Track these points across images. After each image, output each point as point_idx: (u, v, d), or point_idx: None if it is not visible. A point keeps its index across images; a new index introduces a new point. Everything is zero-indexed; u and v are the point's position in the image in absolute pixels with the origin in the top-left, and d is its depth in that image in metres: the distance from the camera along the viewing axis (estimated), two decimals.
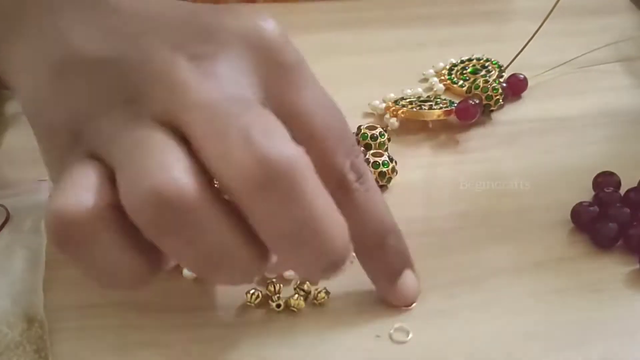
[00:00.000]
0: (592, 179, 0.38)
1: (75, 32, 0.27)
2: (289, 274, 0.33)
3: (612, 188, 0.37)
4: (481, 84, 0.43)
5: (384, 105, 0.44)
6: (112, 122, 0.26)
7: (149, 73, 0.26)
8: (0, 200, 0.36)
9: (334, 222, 0.25)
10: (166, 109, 0.25)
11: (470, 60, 0.48)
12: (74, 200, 0.24)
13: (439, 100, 0.44)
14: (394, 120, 0.42)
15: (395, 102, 0.44)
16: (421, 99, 0.44)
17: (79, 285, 0.33)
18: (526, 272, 0.33)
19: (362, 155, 0.28)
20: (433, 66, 0.48)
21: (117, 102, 0.26)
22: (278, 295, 0.31)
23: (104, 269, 0.25)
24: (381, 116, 0.43)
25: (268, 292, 0.32)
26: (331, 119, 0.29)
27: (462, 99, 0.43)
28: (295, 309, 0.31)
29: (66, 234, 0.24)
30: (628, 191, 0.37)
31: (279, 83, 0.28)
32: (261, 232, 0.24)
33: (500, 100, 0.43)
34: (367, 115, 0.44)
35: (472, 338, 0.30)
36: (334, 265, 0.26)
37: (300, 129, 0.27)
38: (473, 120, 0.42)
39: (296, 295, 0.31)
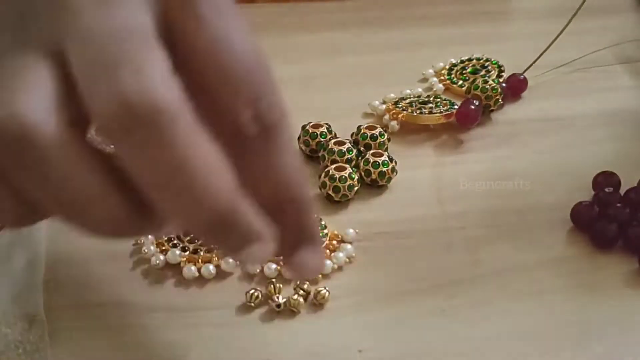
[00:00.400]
0: (592, 179, 0.38)
1: None
2: (288, 274, 0.33)
3: (612, 188, 0.37)
4: (480, 85, 0.43)
5: (384, 106, 0.44)
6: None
7: None
8: None
9: (210, 172, 0.22)
10: (53, 36, 0.23)
11: (470, 60, 0.48)
12: None
13: (439, 101, 0.44)
14: (394, 123, 0.42)
15: (395, 103, 0.44)
16: (421, 99, 0.44)
17: (79, 285, 0.33)
18: (526, 271, 0.34)
19: (278, 105, 0.25)
20: (433, 66, 0.48)
21: (7, 25, 0.23)
22: (278, 295, 0.31)
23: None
24: (381, 116, 0.43)
25: (268, 292, 0.32)
26: (237, 57, 0.25)
27: (462, 100, 0.43)
28: (295, 309, 0.31)
29: None
30: (628, 191, 0.37)
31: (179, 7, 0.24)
32: (134, 180, 0.22)
33: (500, 101, 0.43)
34: (367, 115, 0.44)
35: (472, 337, 0.30)
36: (219, 220, 0.23)
37: (198, 66, 0.24)
38: (474, 125, 0.42)
39: (296, 295, 0.31)
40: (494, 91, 0.43)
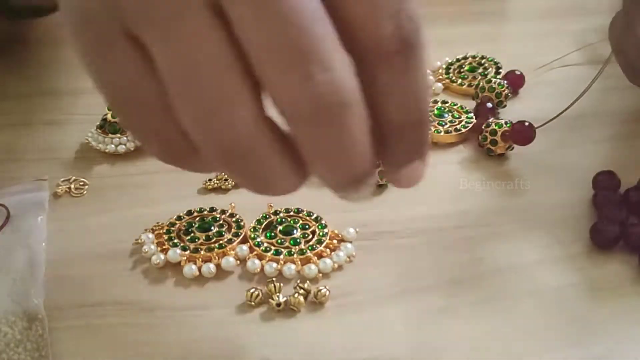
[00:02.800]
0: (592, 178, 0.38)
1: None
2: (289, 272, 0.33)
3: (611, 188, 0.37)
4: (486, 85, 0.44)
5: None
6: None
7: None
8: (0, 200, 0.36)
9: (365, 149, 0.24)
10: None
11: (465, 58, 0.49)
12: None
13: (453, 110, 0.43)
14: None
15: None
16: (435, 111, 0.43)
17: (79, 285, 0.33)
18: (526, 270, 0.34)
19: (418, 16, 0.24)
20: (430, 65, 0.48)
21: None
22: (278, 294, 0.31)
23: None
24: None
25: (268, 291, 0.32)
26: None
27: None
28: (295, 308, 0.31)
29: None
30: (628, 191, 0.37)
31: None
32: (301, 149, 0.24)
33: (509, 94, 0.44)
34: None
35: (472, 336, 0.30)
36: (354, 179, 0.25)
37: None
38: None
39: (296, 295, 0.31)
40: (500, 87, 0.44)
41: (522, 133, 0.40)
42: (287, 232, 0.35)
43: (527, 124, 0.40)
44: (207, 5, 0.23)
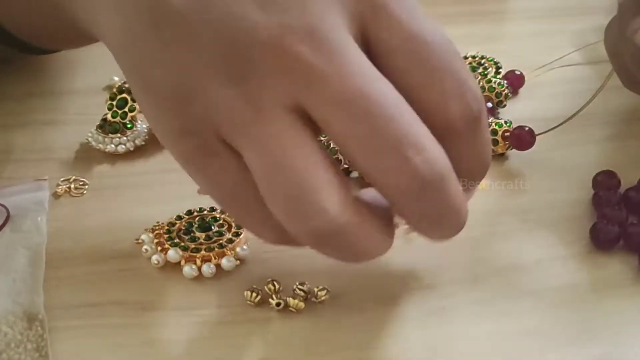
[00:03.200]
0: (591, 178, 0.38)
1: None
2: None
3: (611, 187, 0.37)
4: (486, 85, 0.44)
5: None
6: (230, 100, 0.25)
7: (260, 45, 0.24)
8: (0, 200, 0.36)
9: (461, 206, 0.27)
10: (295, 97, 0.24)
11: (465, 57, 0.49)
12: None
13: None
14: None
15: None
16: None
17: (79, 285, 0.33)
18: (526, 271, 0.34)
19: (479, 94, 0.27)
20: None
21: (224, 71, 0.25)
22: (278, 294, 0.31)
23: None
24: None
25: (268, 291, 0.32)
26: (435, 48, 0.26)
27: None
28: (294, 309, 0.31)
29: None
30: (627, 191, 0.37)
31: (381, 24, 0.26)
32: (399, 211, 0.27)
33: (509, 94, 0.44)
34: None
35: (472, 336, 0.30)
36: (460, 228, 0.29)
37: (397, 67, 0.26)
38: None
39: (296, 295, 0.31)
40: (500, 86, 0.44)
41: (522, 138, 0.40)
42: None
43: (527, 128, 0.40)
44: (285, 107, 0.24)
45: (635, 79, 0.40)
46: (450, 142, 0.26)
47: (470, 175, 0.29)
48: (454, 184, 0.26)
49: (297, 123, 0.25)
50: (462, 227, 0.28)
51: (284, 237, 0.28)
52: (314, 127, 0.25)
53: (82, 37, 0.33)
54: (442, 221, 0.27)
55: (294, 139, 0.25)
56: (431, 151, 0.25)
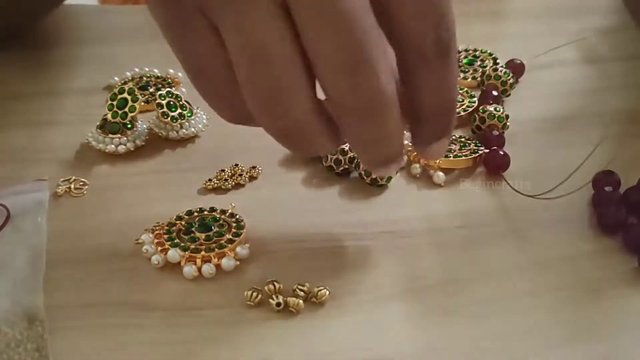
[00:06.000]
0: (591, 178, 0.38)
1: None
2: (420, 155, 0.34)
3: (611, 187, 0.37)
4: (492, 73, 0.45)
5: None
6: None
7: None
8: (0, 200, 0.36)
9: (396, 125, 0.29)
10: None
11: (459, 52, 0.49)
12: None
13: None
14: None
15: None
16: None
17: (79, 285, 0.33)
18: (526, 271, 0.34)
19: (453, 26, 0.29)
20: None
21: None
22: (278, 294, 0.31)
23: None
24: None
25: (268, 292, 0.32)
26: None
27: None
28: (294, 309, 0.31)
29: None
30: (627, 190, 0.37)
31: None
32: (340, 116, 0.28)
33: (514, 84, 0.45)
34: None
35: (472, 336, 0.30)
36: (386, 160, 0.30)
37: None
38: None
39: (296, 295, 0.31)
40: (506, 75, 0.45)
41: (495, 162, 0.39)
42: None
43: (502, 153, 0.39)
44: (275, 1, 0.26)
45: None
46: (417, 67, 0.29)
47: (433, 107, 0.30)
48: (394, 118, 0.28)
49: (282, 16, 0.26)
50: (393, 161, 0.30)
51: (242, 117, 0.30)
52: (294, 27, 0.26)
53: None
54: (375, 147, 0.29)
55: (279, 30, 0.26)
56: (382, 80, 0.27)
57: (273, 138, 0.29)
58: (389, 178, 0.38)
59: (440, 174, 0.39)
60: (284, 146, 0.30)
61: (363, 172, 0.38)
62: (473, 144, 0.41)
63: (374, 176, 0.38)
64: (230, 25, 0.27)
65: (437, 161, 0.39)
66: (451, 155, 0.40)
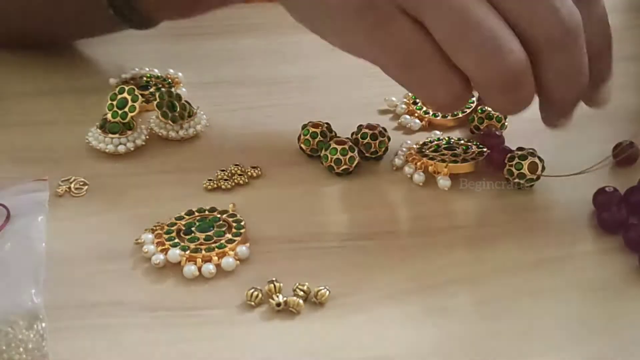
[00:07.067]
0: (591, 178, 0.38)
1: None
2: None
3: (612, 187, 0.37)
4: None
5: (404, 105, 0.45)
6: None
7: None
8: (0, 200, 0.36)
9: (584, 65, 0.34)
10: None
11: None
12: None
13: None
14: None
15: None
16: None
17: (79, 285, 0.33)
18: (526, 271, 0.34)
19: (574, 11, 0.32)
20: None
21: None
22: (278, 294, 0.31)
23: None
24: (399, 115, 0.44)
25: (268, 291, 0.32)
26: None
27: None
28: (294, 309, 0.31)
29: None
30: (628, 191, 0.37)
31: None
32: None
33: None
34: (383, 112, 0.45)
35: (472, 336, 0.30)
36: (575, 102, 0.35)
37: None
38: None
39: (296, 295, 0.31)
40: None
41: (502, 158, 0.39)
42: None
43: (505, 148, 0.39)
44: None
45: None
46: (547, 53, 0.32)
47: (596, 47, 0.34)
48: (584, 47, 0.33)
49: None
50: (583, 94, 0.34)
51: (460, 92, 0.33)
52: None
53: None
54: (574, 79, 0.33)
55: (482, 6, 0.31)
56: (570, 7, 0.31)
57: (491, 101, 0.33)
58: (346, 170, 0.39)
59: (446, 181, 0.38)
60: (505, 104, 0.33)
61: (363, 148, 0.40)
62: (475, 146, 0.40)
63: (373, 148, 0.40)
64: (432, 11, 0.31)
65: (445, 168, 0.38)
66: (459, 159, 0.39)
